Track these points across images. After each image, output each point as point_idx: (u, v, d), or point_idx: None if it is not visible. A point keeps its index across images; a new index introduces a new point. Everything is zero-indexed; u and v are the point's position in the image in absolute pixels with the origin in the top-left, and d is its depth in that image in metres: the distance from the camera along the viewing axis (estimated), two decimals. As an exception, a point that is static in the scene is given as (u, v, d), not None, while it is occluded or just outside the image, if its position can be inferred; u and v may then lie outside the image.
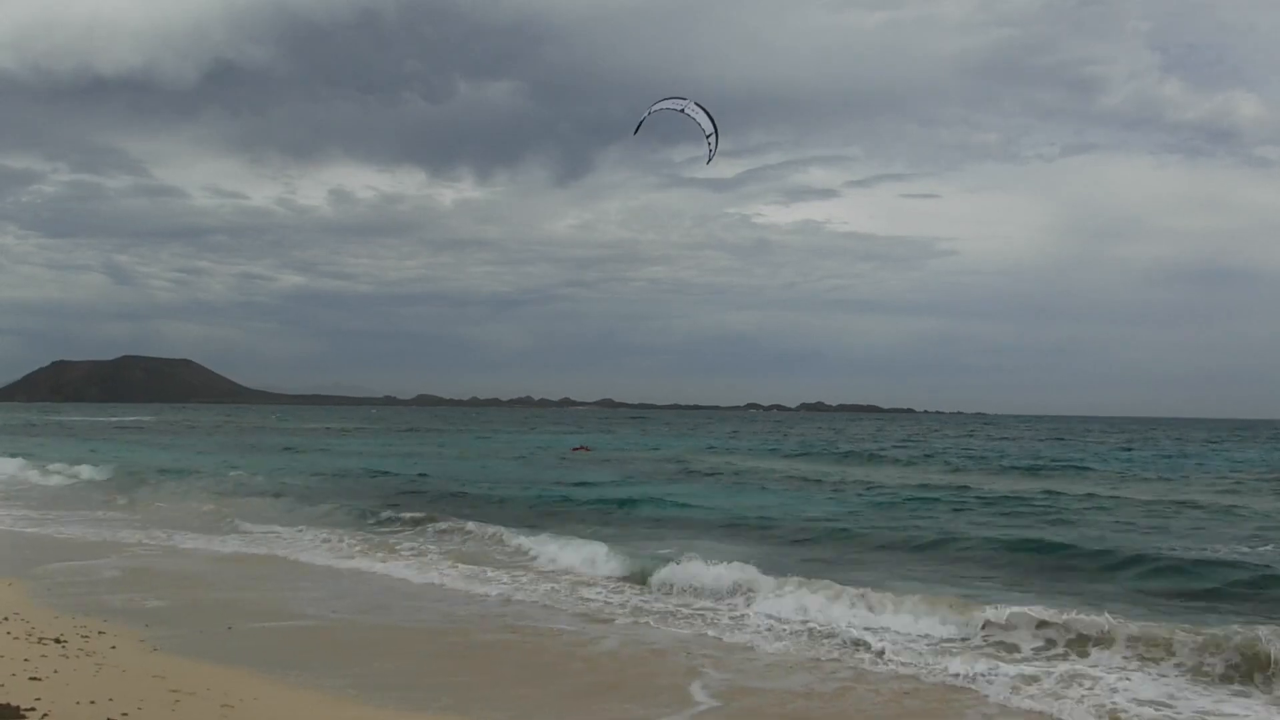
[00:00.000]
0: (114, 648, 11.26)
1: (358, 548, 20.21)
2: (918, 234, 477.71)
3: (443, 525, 22.80)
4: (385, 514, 24.85)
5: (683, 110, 13.18)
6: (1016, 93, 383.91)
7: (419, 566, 18.03)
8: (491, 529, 21.66)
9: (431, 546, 20.41)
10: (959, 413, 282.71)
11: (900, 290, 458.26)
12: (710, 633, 13.15)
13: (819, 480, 37.20)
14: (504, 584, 16.39)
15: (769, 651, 12.22)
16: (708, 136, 13.16)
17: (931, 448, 64.20)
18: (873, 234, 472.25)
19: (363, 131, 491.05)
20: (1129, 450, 64.06)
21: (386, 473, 39.56)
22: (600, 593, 15.76)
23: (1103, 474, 42.55)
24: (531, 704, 10.01)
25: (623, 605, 14.86)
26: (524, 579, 16.82)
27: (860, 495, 31.50)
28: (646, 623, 13.73)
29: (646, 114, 13.31)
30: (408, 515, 24.30)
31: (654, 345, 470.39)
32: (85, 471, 36.40)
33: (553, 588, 16.12)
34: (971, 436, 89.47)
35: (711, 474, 41.72)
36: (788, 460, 51.89)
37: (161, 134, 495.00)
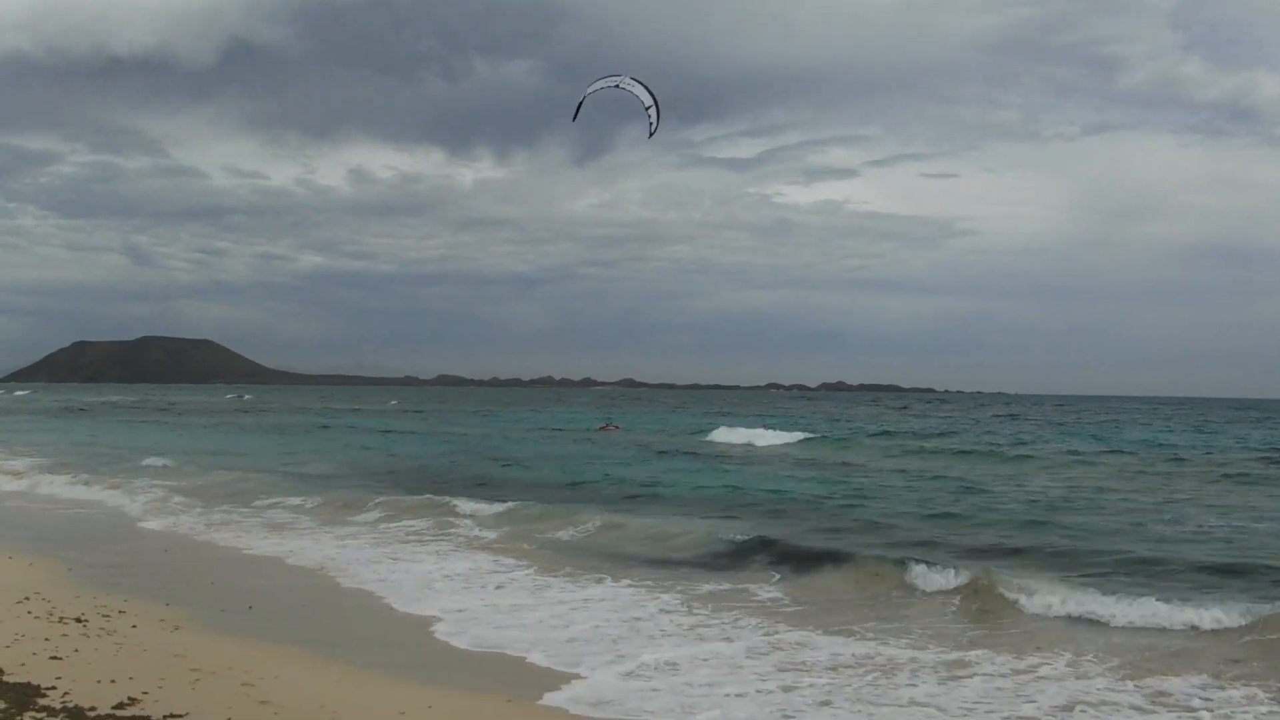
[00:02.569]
0: (135, 627, 11.19)
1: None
2: (937, 214, 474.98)
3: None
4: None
5: (618, 86, 12.65)
6: (1036, 71, 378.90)
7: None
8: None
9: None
10: (979, 392, 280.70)
11: (920, 270, 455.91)
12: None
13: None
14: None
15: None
16: (647, 109, 12.56)
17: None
18: (893, 214, 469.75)
19: (381, 111, 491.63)
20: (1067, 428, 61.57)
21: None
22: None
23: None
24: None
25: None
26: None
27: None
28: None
29: (582, 98, 12.72)
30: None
31: (675, 325, 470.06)
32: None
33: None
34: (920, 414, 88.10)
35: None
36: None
37: (179, 114, 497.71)
